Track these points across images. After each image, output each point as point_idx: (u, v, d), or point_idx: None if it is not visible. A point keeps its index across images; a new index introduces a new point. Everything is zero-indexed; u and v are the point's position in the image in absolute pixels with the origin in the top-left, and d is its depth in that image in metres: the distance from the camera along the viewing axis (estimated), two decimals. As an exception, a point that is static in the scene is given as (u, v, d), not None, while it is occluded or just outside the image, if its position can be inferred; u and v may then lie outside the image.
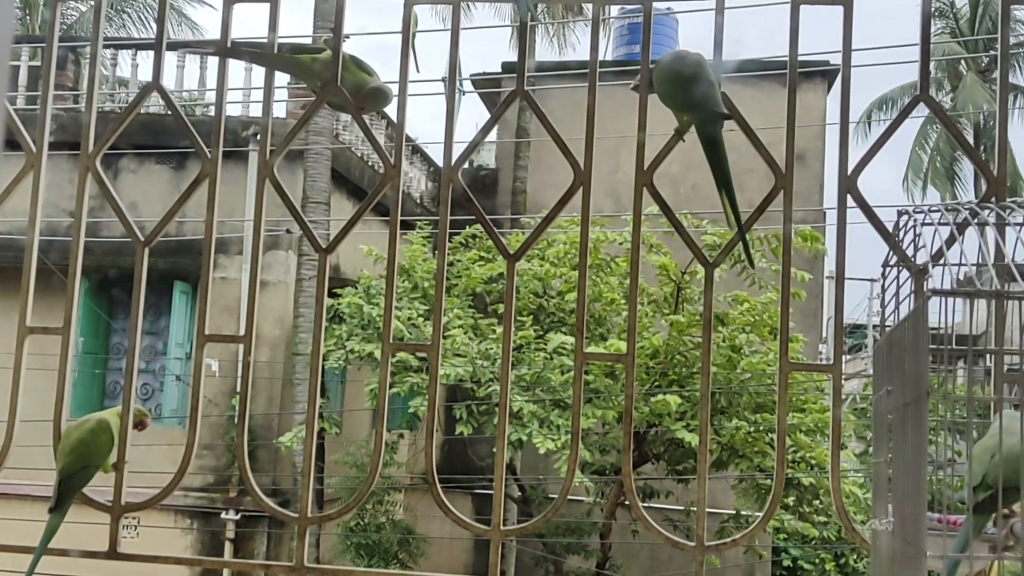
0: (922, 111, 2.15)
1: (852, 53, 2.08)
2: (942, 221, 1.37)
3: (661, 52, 2.26)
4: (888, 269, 1.62)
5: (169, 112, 2.38)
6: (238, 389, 11.43)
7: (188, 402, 2.56)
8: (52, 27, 2.45)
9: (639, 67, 2.19)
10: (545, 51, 18.25)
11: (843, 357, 2.27)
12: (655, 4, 2.37)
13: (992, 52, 22.38)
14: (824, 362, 16.32)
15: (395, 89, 2.40)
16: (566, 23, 18.16)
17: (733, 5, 2.23)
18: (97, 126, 2.35)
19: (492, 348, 11.24)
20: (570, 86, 13.90)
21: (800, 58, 2.15)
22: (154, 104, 11.65)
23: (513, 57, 17.32)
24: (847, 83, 2.06)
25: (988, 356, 2.00)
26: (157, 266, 2.14)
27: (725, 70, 2.17)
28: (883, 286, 1.64)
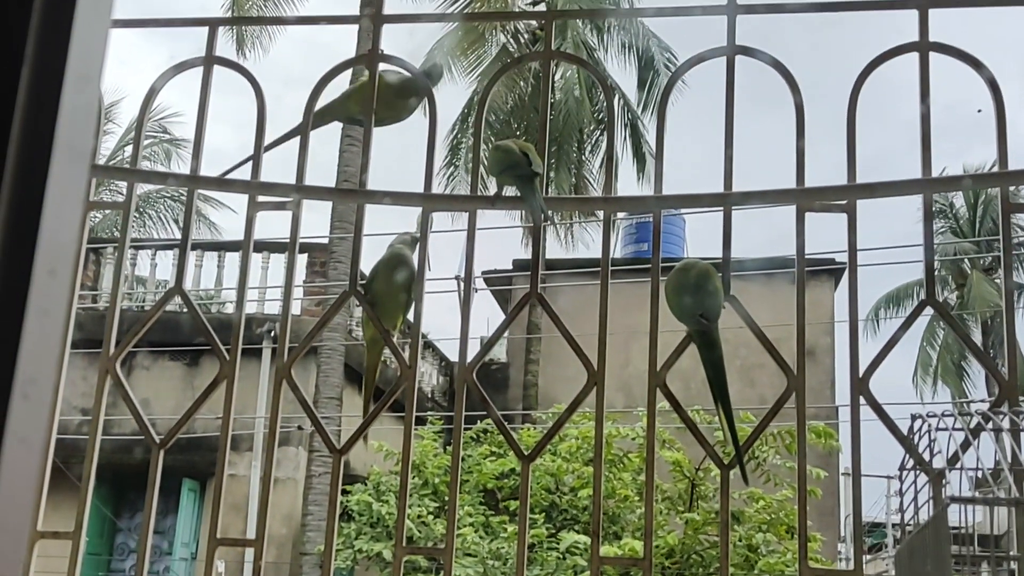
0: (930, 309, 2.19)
1: (858, 254, 2.14)
2: (956, 426, 1.38)
3: (669, 251, 2.33)
4: (905, 472, 1.61)
5: (185, 310, 2.44)
6: (244, 591, 10.99)
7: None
8: (80, 232, 2.53)
9: (648, 265, 2.26)
10: (553, 247, 18.65)
11: (864, 558, 2.22)
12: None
13: (995, 253, 22.78)
14: (844, 562, 15.86)
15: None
16: (576, 223, 18.62)
17: (739, 208, 2.31)
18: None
19: (504, 547, 10.98)
20: (580, 284, 14.13)
21: (806, 257, 2.21)
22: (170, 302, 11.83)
23: (523, 254, 17.70)
24: (854, 288, 2.10)
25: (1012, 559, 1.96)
26: (165, 463, 2.14)
27: (732, 272, 2.22)
28: (901, 490, 1.63)
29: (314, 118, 2.52)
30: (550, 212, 2.39)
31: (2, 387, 0.49)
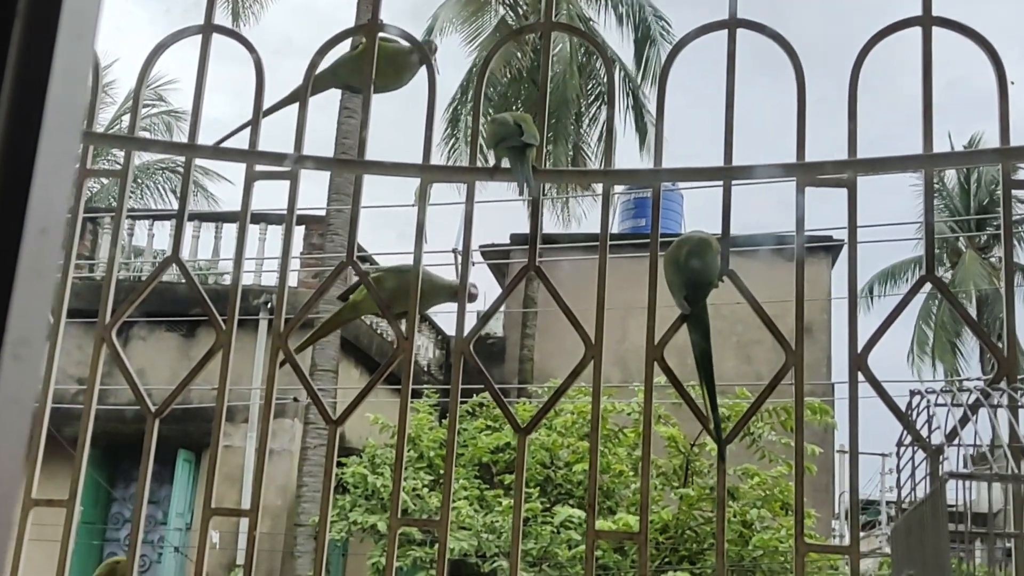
0: (926, 285, 2.18)
1: (857, 231, 2.13)
2: (954, 402, 1.37)
3: (667, 226, 2.33)
4: (903, 448, 1.61)
5: (182, 280, 2.43)
6: (238, 562, 11.08)
7: (189, 576, 2.51)
8: (77, 201, 2.52)
9: (647, 240, 2.25)
10: (550, 221, 18.61)
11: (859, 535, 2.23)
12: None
13: (990, 230, 22.75)
14: (838, 539, 15.93)
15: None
16: (572, 196, 18.58)
17: (738, 183, 2.30)
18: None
19: (498, 521, 11.02)
20: (577, 258, 14.12)
21: (804, 234, 2.20)
22: (166, 272, 11.82)
23: (521, 228, 17.67)
24: (854, 265, 2.09)
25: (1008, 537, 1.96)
26: (161, 433, 2.14)
27: (729, 247, 2.21)
28: (898, 465, 1.63)
29: (309, 84, 2.51)
30: (544, 185, 2.38)
31: (-7, 348, 0.48)
